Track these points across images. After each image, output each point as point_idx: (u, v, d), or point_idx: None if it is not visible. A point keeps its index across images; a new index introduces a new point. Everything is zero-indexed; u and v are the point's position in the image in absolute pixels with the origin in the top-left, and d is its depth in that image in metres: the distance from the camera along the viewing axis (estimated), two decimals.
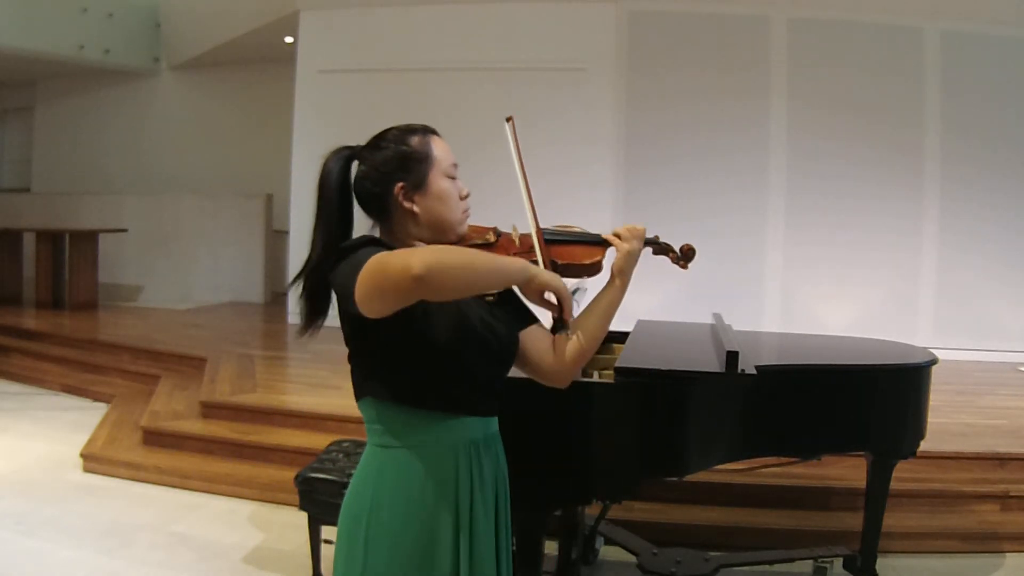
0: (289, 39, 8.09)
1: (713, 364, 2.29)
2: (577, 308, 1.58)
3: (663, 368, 2.19)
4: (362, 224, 1.45)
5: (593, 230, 1.59)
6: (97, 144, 10.19)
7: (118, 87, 10.02)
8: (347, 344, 1.40)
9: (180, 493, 3.94)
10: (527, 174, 1.53)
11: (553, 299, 1.37)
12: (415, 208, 1.41)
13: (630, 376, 2.10)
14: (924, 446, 2.69)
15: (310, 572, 2.88)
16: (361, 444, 3.03)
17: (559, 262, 1.50)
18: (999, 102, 6.35)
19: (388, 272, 1.20)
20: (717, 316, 2.95)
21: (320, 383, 4.98)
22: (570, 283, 1.45)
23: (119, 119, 10.09)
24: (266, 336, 7.07)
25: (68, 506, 3.70)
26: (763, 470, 3.54)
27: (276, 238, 8.84)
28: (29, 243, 8.43)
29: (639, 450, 2.11)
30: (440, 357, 1.37)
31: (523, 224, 1.52)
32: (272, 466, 4.01)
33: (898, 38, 6.41)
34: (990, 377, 5.65)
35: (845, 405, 2.50)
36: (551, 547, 2.64)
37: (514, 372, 1.52)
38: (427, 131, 1.46)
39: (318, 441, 3.87)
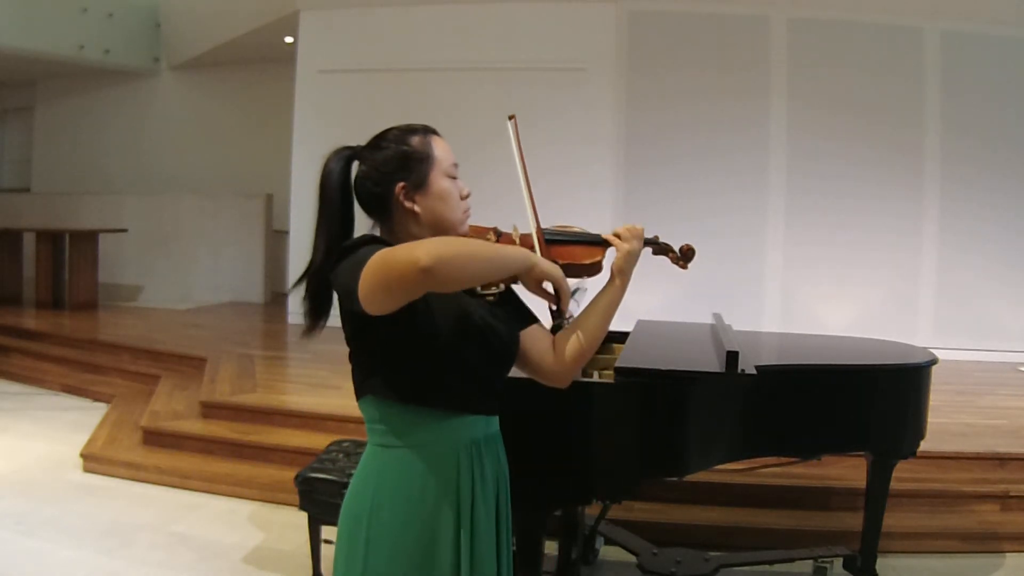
0: (289, 39, 8.10)
1: (713, 364, 2.29)
2: (577, 308, 1.58)
3: (663, 368, 2.19)
4: (363, 224, 1.46)
5: (593, 230, 1.59)
6: (97, 144, 10.19)
7: (118, 87, 10.02)
8: (348, 343, 1.40)
9: (180, 493, 3.94)
10: (528, 172, 1.54)
11: (551, 289, 1.37)
12: (416, 208, 1.41)
13: (630, 376, 2.10)
14: (924, 446, 2.69)
15: (310, 572, 2.88)
16: (361, 444, 3.03)
17: (559, 262, 1.51)
18: (999, 102, 6.35)
19: (394, 266, 1.20)
20: (717, 316, 2.95)
21: (320, 383, 4.98)
22: (570, 283, 1.45)
23: (119, 119, 10.09)
24: (266, 336, 7.07)
25: (68, 506, 3.70)
26: (763, 470, 3.54)
27: (276, 238, 8.85)
28: (29, 243, 8.43)
29: (639, 450, 2.11)
30: (441, 354, 1.37)
31: (524, 224, 1.53)
32: (272, 466, 4.01)
33: (898, 38, 6.41)
34: (990, 377, 5.65)
35: (845, 405, 2.50)
36: (551, 547, 2.64)
37: (514, 372, 1.52)
38: (428, 131, 1.46)
39: (318, 441, 3.87)
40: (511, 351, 1.48)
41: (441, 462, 1.39)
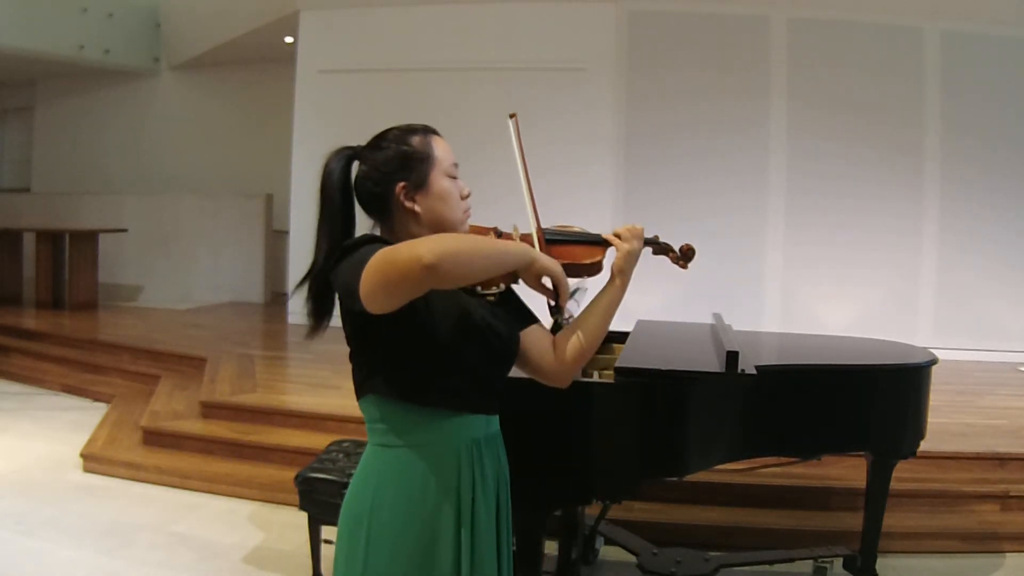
0: (289, 39, 8.10)
1: (713, 364, 2.29)
2: (577, 308, 1.58)
3: (663, 368, 2.19)
4: (363, 224, 1.46)
5: (593, 230, 1.59)
6: (97, 144, 10.19)
7: (118, 87, 10.02)
8: (348, 343, 1.40)
9: (180, 493, 3.94)
10: (529, 171, 1.54)
11: (549, 284, 1.38)
12: (416, 208, 1.41)
13: (630, 376, 2.10)
14: (924, 446, 2.69)
15: (310, 572, 2.88)
16: (361, 444, 3.03)
17: (560, 262, 1.51)
18: (999, 102, 6.35)
19: (397, 264, 1.20)
20: (717, 316, 2.95)
21: (320, 383, 4.98)
22: (570, 283, 1.45)
23: (119, 119, 10.09)
24: (266, 336, 7.07)
25: (68, 506, 3.70)
26: (763, 470, 3.55)
27: (276, 238, 8.84)
28: (29, 243, 8.43)
29: (639, 450, 2.11)
30: (442, 353, 1.37)
31: (524, 224, 1.53)
32: (272, 466, 4.01)
33: (898, 38, 6.41)
34: (990, 377, 5.65)
35: (845, 405, 2.50)
36: (551, 547, 2.64)
37: (514, 372, 1.52)
38: (428, 131, 1.46)
39: (318, 441, 3.87)
40: (511, 351, 1.48)
41: (441, 462, 1.39)
